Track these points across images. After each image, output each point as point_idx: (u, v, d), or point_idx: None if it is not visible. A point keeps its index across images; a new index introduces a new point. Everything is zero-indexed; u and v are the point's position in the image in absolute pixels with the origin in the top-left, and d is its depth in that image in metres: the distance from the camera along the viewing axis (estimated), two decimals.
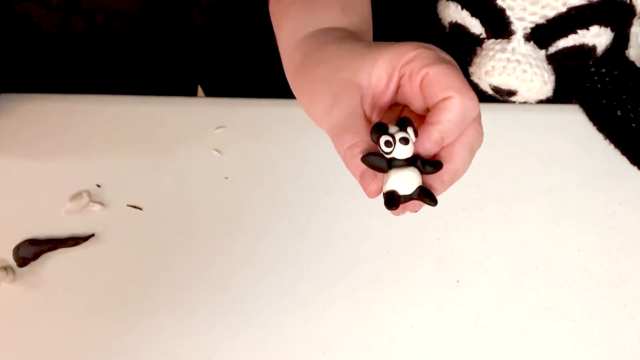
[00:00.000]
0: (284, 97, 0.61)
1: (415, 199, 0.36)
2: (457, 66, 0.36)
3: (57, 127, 0.60)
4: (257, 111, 0.60)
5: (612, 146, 0.56)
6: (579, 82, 0.58)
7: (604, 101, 0.56)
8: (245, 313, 0.56)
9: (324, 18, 0.44)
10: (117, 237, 0.59)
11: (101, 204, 0.59)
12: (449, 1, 0.55)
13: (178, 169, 0.60)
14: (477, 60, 0.58)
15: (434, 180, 0.36)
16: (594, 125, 0.57)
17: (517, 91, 0.57)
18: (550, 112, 0.59)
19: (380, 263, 0.56)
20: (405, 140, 0.34)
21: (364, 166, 0.35)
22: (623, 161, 0.56)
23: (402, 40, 0.38)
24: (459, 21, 0.56)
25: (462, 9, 0.54)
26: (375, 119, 0.38)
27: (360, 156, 0.35)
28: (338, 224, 0.57)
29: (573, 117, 0.58)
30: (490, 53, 0.56)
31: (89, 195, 0.60)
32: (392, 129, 0.35)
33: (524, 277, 0.55)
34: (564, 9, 0.51)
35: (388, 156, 0.35)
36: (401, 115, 0.38)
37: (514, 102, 0.60)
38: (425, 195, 0.36)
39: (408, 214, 0.56)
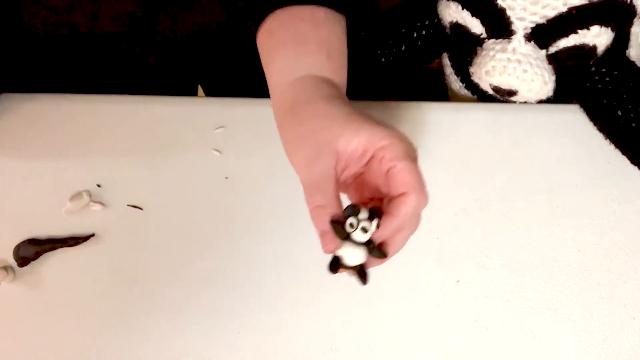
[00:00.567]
0: None
1: (351, 271, 0.43)
2: (417, 161, 0.43)
3: (57, 127, 0.60)
4: (257, 111, 0.60)
5: (612, 146, 0.56)
6: (579, 82, 0.57)
7: (604, 101, 0.56)
8: (245, 313, 0.56)
9: (311, 63, 0.48)
10: (117, 237, 0.59)
11: (101, 204, 0.59)
12: (450, 1, 0.55)
13: (178, 169, 0.60)
14: (477, 60, 0.58)
15: (373, 261, 0.43)
16: (594, 125, 0.57)
17: (517, 91, 0.57)
18: (550, 112, 0.59)
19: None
20: (364, 230, 0.41)
21: (327, 226, 0.41)
22: (623, 161, 0.56)
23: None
24: (460, 21, 0.56)
25: (462, 8, 0.54)
26: (342, 180, 0.44)
27: (328, 218, 0.41)
28: None
29: (573, 117, 0.58)
30: (491, 53, 0.56)
31: (89, 195, 0.60)
32: (363, 214, 0.41)
33: (524, 277, 0.55)
34: (564, 9, 0.51)
35: (348, 231, 0.41)
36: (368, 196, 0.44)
37: (514, 102, 0.60)
38: (360, 275, 0.43)
39: None
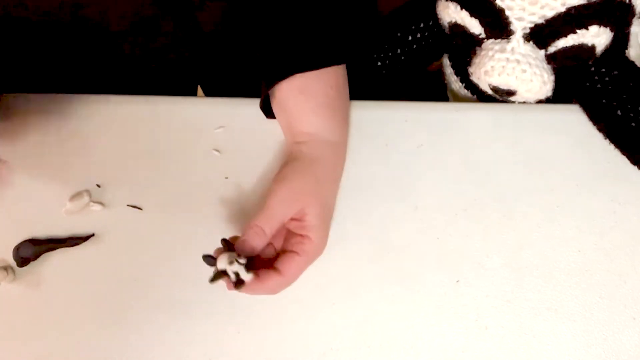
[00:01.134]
0: None
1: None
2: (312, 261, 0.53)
3: (57, 127, 0.60)
4: (257, 111, 0.60)
5: (612, 146, 0.56)
6: (579, 82, 0.57)
7: (604, 101, 0.55)
8: (245, 313, 0.56)
9: (335, 130, 0.56)
10: (117, 237, 0.59)
11: (101, 204, 0.59)
12: (449, 1, 0.55)
13: (178, 169, 0.60)
14: (476, 60, 0.58)
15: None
16: (594, 125, 0.57)
17: (516, 91, 0.57)
18: (550, 112, 0.59)
19: (380, 263, 0.56)
20: (237, 274, 0.48)
21: (259, 245, 0.50)
22: (623, 161, 0.56)
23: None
24: (459, 21, 0.56)
25: (461, 9, 0.54)
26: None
27: (261, 242, 0.50)
28: (338, 224, 0.57)
29: (573, 117, 0.58)
30: (490, 53, 0.56)
31: (89, 195, 0.60)
32: (242, 260, 0.48)
33: (524, 277, 0.55)
34: (563, 9, 0.51)
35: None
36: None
37: (513, 102, 0.60)
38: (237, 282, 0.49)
39: (408, 213, 0.56)
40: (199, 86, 0.80)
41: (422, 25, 0.63)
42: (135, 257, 0.58)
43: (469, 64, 0.60)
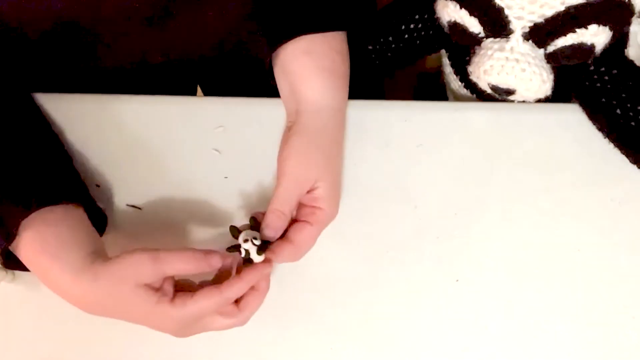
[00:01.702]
0: None
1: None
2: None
3: (57, 127, 0.60)
4: (257, 111, 0.60)
5: (612, 146, 0.56)
6: (578, 81, 0.57)
7: (603, 100, 0.55)
8: None
9: (339, 96, 0.55)
10: (117, 237, 0.59)
11: (101, 204, 0.59)
12: (448, 0, 0.55)
13: (178, 169, 0.60)
14: (475, 59, 0.58)
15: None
16: (594, 124, 0.57)
17: (515, 90, 0.57)
18: (549, 111, 0.59)
19: (380, 263, 0.56)
20: (247, 252, 0.50)
21: (281, 228, 0.51)
22: (623, 161, 0.56)
23: None
24: (458, 20, 0.56)
25: (460, 8, 0.54)
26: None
27: (282, 224, 0.51)
28: (338, 224, 0.57)
29: (573, 116, 0.58)
30: (489, 52, 0.56)
31: None
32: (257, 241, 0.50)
33: (524, 277, 0.55)
34: (562, 8, 0.51)
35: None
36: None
37: (512, 101, 0.60)
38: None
39: (408, 213, 0.56)
40: (198, 86, 0.80)
41: (417, 17, 0.63)
42: None
43: (468, 63, 0.60)
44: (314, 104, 0.53)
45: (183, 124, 0.61)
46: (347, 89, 0.56)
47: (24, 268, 0.50)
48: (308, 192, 0.52)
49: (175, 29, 0.60)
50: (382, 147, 0.59)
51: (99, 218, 0.55)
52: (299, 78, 0.54)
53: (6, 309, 0.58)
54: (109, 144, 0.61)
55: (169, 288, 0.49)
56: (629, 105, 0.54)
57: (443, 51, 0.69)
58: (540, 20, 0.52)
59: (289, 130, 0.54)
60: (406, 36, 0.64)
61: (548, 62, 0.56)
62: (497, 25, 0.54)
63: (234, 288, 0.48)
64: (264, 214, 0.51)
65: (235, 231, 0.52)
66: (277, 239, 0.51)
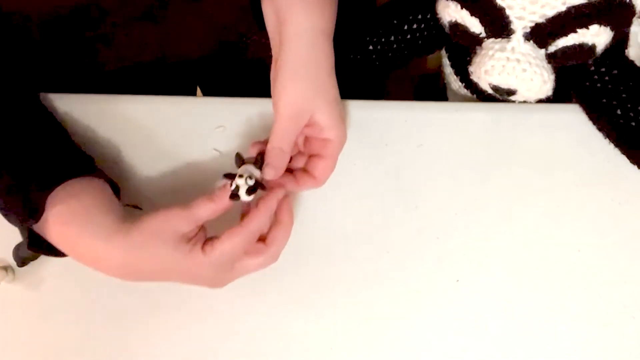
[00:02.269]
0: None
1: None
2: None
3: None
4: (257, 111, 0.60)
5: (612, 146, 0.56)
6: (579, 81, 0.57)
7: (604, 100, 0.55)
8: (245, 313, 0.56)
9: (324, 24, 0.53)
10: None
11: None
12: (449, 0, 0.55)
13: (178, 169, 0.60)
14: (476, 59, 0.58)
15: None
16: (594, 124, 0.57)
17: (516, 90, 0.57)
18: (550, 111, 0.59)
19: (380, 263, 0.57)
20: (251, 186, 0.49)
21: (282, 167, 0.51)
22: (623, 161, 0.56)
23: None
24: (459, 20, 0.56)
25: (461, 8, 0.54)
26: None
27: (284, 162, 0.51)
28: (338, 224, 0.57)
29: (573, 116, 0.58)
30: (490, 52, 0.56)
31: None
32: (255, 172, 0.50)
33: (524, 277, 0.55)
34: (563, 8, 0.51)
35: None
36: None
37: (513, 101, 0.60)
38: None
39: (408, 213, 0.56)
40: (197, 87, 0.80)
41: (419, 16, 0.63)
42: None
43: (468, 63, 0.60)
44: (298, 25, 0.52)
45: (183, 124, 0.61)
46: (335, 10, 0.55)
47: (49, 251, 0.51)
48: (309, 125, 0.51)
49: (173, 22, 0.60)
50: (382, 147, 0.59)
51: (115, 189, 0.55)
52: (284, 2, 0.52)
53: (6, 309, 0.58)
54: (109, 144, 0.60)
55: (201, 235, 0.50)
56: (629, 105, 0.54)
57: (443, 51, 0.69)
58: (541, 20, 0.52)
59: (275, 65, 0.53)
60: (408, 36, 0.64)
61: (549, 62, 0.56)
62: (498, 26, 0.54)
63: (254, 219, 0.49)
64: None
65: (239, 161, 0.51)
66: (301, 172, 0.53)
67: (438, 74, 0.80)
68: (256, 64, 0.58)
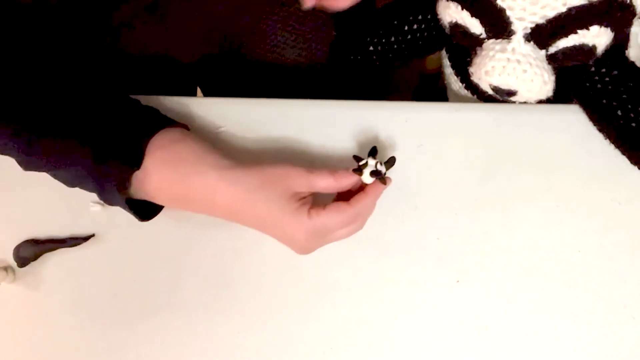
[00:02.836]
0: (284, 97, 0.61)
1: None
2: None
3: None
4: (257, 111, 0.60)
5: (612, 146, 0.56)
6: (579, 82, 0.57)
7: (604, 101, 0.56)
8: (245, 313, 0.56)
9: None
10: (117, 237, 0.59)
11: (101, 204, 0.59)
12: (449, 1, 0.55)
13: None
14: (477, 60, 0.58)
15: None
16: (594, 125, 0.57)
17: (517, 91, 0.57)
18: (550, 112, 0.59)
19: (380, 263, 0.57)
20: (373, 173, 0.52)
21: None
22: (623, 161, 0.56)
23: None
24: (459, 21, 0.56)
25: (462, 9, 0.54)
26: None
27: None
28: None
29: (573, 117, 0.58)
30: (490, 53, 0.56)
31: (89, 195, 0.59)
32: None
33: (524, 277, 0.55)
34: (564, 9, 0.51)
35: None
36: None
37: (514, 102, 0.60)
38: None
39: (408, 213, 0.56)
40: (198, 87, 0.80)
41: (420, 17, 0.63)
42: (135, 257, 0.58)
43: (469, 64, 0.60)
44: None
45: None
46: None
47: (141, 208, 0.52)
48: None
49: (176, 18, 0.59)
50: (382, 147, 0.59)
51: None
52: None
53: (6, 309, 0.58)
54: None
55: (309, 200, 0.51)
56: (629, 106, 0.54)
57: (444, 52, 0.69)
58: (541, 21, 0.52)
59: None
60: (408, 37, 0.64)
61: (549, 63, 0.56)
62: (499, 27, 0.54)
63: (362, 202, 0.51)
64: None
65: (374, 153, 0.54)
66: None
67: (438, 74, 0.80)
68: (256, 64, 0.58)
